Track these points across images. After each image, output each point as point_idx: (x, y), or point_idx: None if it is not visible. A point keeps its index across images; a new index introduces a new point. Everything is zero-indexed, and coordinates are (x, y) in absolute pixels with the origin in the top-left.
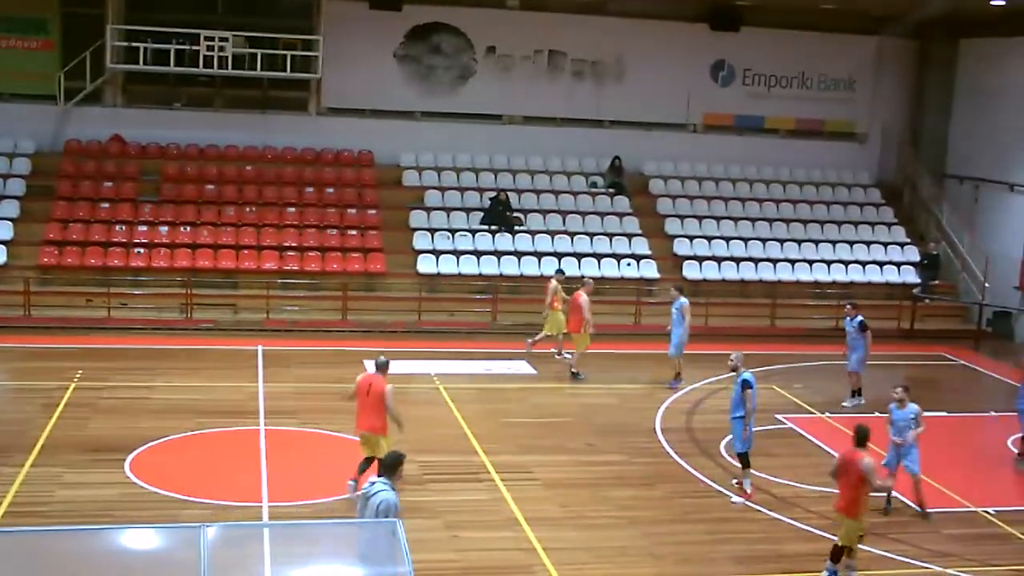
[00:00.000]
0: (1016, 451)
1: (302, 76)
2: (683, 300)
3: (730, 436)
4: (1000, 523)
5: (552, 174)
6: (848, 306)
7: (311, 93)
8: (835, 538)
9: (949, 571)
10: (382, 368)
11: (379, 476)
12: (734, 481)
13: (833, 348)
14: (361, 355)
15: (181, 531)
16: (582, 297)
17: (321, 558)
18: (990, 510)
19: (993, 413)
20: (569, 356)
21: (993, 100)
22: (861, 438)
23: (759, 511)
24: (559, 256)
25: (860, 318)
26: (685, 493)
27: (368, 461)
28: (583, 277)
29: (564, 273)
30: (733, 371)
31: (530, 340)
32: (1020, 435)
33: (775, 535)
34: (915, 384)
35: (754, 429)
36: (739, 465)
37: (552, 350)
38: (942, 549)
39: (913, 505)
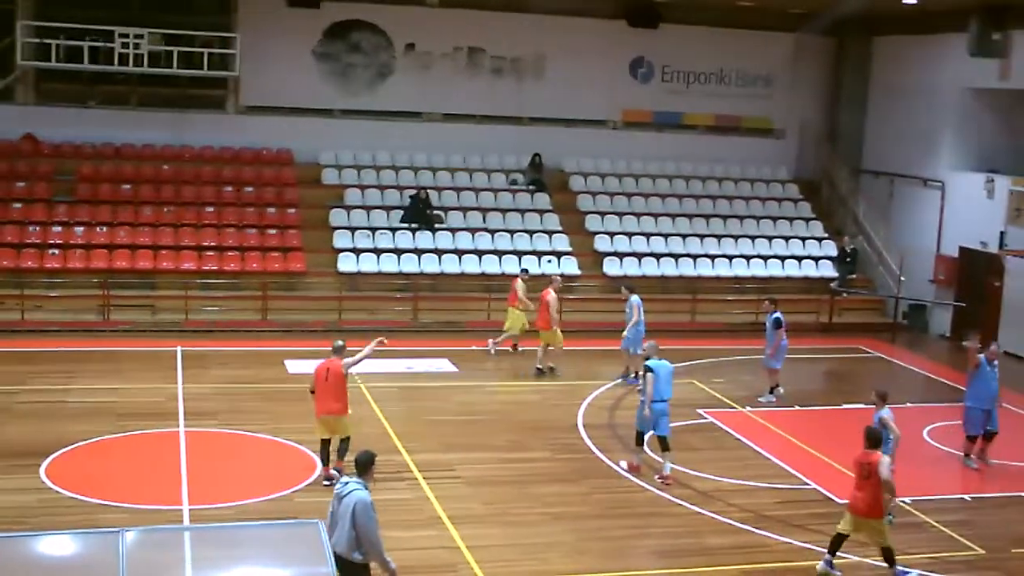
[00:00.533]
0: (962, 451)
1: (220, 74)
2: (634, 298)
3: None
4: (916, 512)
5: (472, 171)
6: (767, 302)
7: (229, 91)
8: (759, 532)
9: (868, 560)
10: (338, 351)
11: (352, 475)
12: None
13: (753, 343)
14: (282, 355)
15: (99, 536)
16: (549, 295)
17: (243, 560)
18: (906, 500)
19: (908, 404)
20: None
21: (907, 96)
22: (874, 440)
23: (681, 505)
24: (479, 253)
25: (776, 314)
26: (608, 488)
27: (326, 443)
28: (551, 275)
29: (528, 272)
30: (646, 359)
31: (492, 340)
32: (970, 433)
33: (697, 529)
34: (833, 377)
35: (660, 417)
36: (661, 459)
37: (507, 348)
38: (861, 538)
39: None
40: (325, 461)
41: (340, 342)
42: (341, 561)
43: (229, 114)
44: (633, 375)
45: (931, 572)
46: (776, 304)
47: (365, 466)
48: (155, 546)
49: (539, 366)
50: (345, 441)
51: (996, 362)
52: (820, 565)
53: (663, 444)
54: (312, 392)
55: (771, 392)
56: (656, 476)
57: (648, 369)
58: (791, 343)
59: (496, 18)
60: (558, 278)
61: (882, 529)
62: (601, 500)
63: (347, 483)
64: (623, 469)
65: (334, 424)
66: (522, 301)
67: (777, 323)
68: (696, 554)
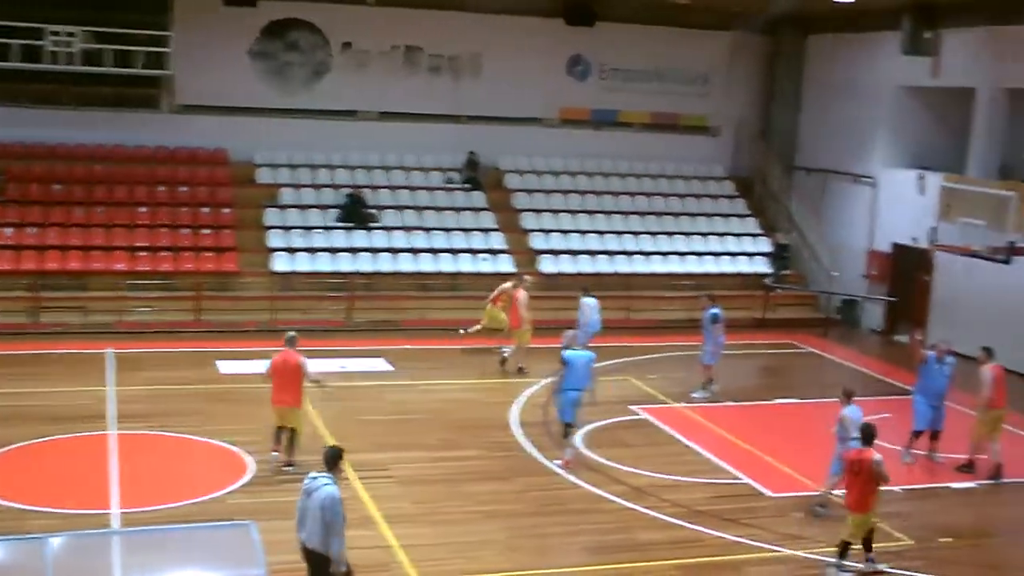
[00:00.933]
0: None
1: (154, 73)
2: (585, 299)
3: (587, 428)
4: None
5: (408, 170)
6: (704, 297)
7: (163, 90)
8: (693, 527)
9: (800, 553)
10: (292, 343)
11: (321, 471)
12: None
13: (687, 339)
14: (214, 356)
15: (26, 543)
16: (520, 294)
17: (174, 564)
18: (837, 492)
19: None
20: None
21: (840, 94)
22: (869, 436)
23: (614, 501)
24: (415, 252)
25: (713, 310)
26: (541, 486)
27: (281, 430)
28: (521, 275)
29: (528, 280)
30: (565, 348)
31: (463, 330)
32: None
33: (630, 524)
34: (767, 372)
35: (569, 405)
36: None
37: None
38: (792, 532)
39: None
40: (276, 442)
41: (292, 334)
42: (312, 554)
43: (163, 113)
44: None
45: (863, 563)
46: (714, 300)
47: (333, 461)
48: (83, 552)
49: (521, 366)
50: (293, 433)
51: (948, 359)
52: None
53: (566, 431)
54: (268, 377)
55: (703, 388)
56: (556, 461)
57: (563, 361)
58: (725, 339)
59: (433, 16)
60: (528, 278)
61: (862, 524)
62: (534, 498)
63: (316, 478)
64: (559, 467)
65: (286, 414)
66: (523, 317)
67: (714, 319)
68: (629, 550)
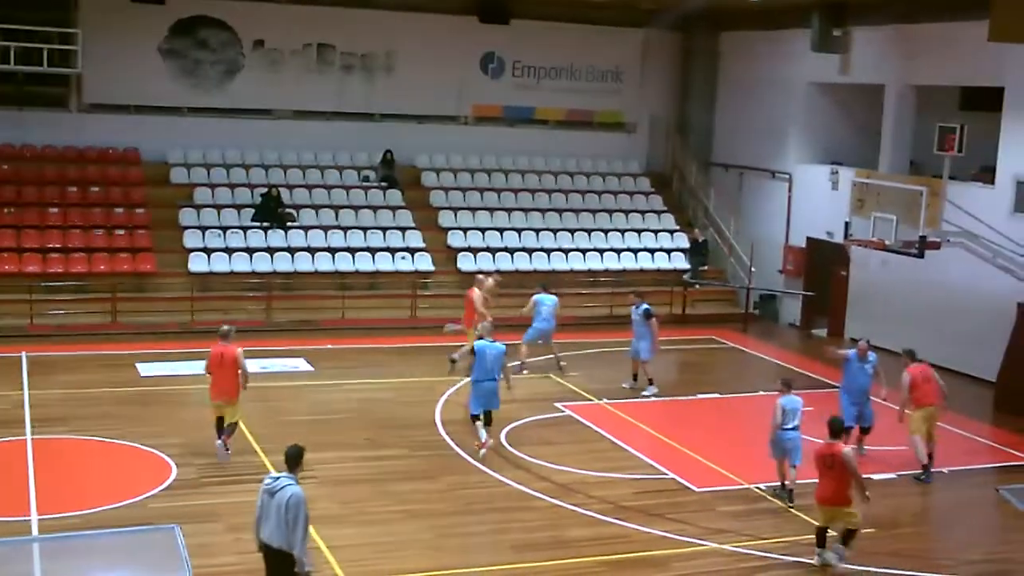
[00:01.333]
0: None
1: (61, 71)
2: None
3: (511, 426)
4: (771, 498)
5: (324, 169)
6: (632, 295)
7: (71, 89)
8: (619, 522)
9: (726, 547)
10: (227, 336)
11: (283, 471)
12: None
13: (608, 335)
14: (133, 358)
15: None
16: (475, 293)
17: (96, 570)
18: (761, 485)
19: (761, 393)
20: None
21: (754, 90)
22: (836, 430)
23: (540, 499)
24: (332, 251)
25: (645, 305)
26: (467, 485)
27: (221, 421)
28: (479, 274)
29: (488, 275)
30: (479, 339)
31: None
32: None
33: (556, 522)
34: (687, 368)
35: (484, 395)
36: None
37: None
38: (718, 526)
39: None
40: (220, 434)
41: (226, 327)
42: (274, 553)
43: (72, 112)
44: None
45: (791, 556)
46: (643, 296)
47: (295, 460)
48: (2, 559)
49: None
50: (232, 426)
51: (870, 357)
52: (816, 560)
53: (485, 419)
54: (208, 374)
55: (650, 384)
56: (476, 445)
57: (473, 352)
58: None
59: (345, 14)
60: (483, 277)
61: (853, 513)
62: (460, 496)
63: (278, 478)
64: (480, 450)
65: (224, 408)
66: (479, 312)
67: (647, 314)
68: (556, 547)
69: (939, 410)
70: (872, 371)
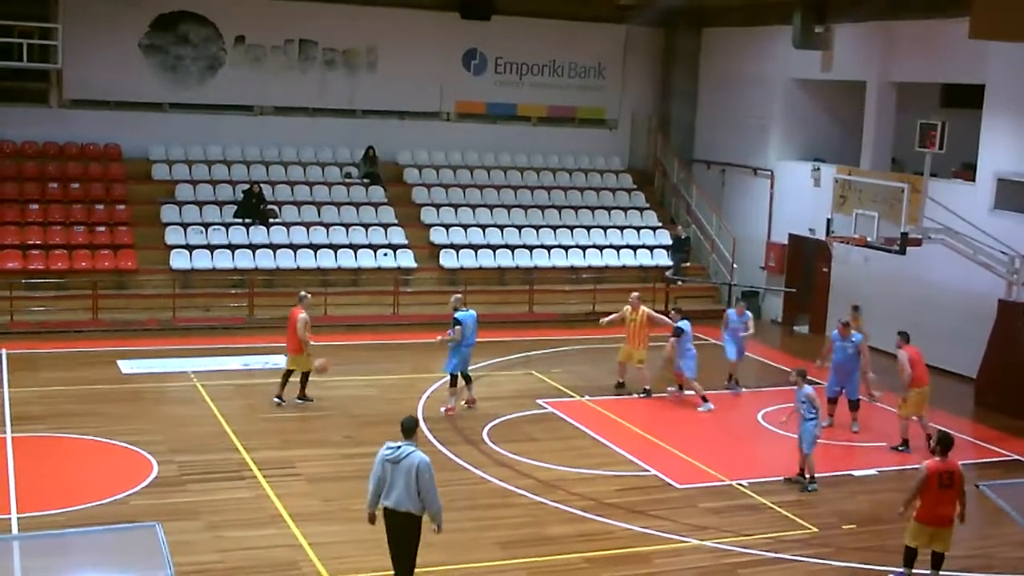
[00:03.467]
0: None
1: (41, 66)
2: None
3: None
4: (753, 494)
5: (306, 165)
6: (673, 312)
7: (52, 84)
8: (602, 519)
9: (708, 543)
10: (301, 300)
11: (404, 440)
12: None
13: (590, 332)
14: (114, 355)
15: None
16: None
17: (77, 568)
18: (743, 482)
19: (744, 390)
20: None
21: (736, 87)
22: (948, 445)
23: (523, 495)
24: (315, 248)
25: (678, 323)
26: (449, 481)
27: (287, 374)
28: (300, 293)
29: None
30: (454, 310)
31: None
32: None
33: (540, 518)
34: (669, 364)
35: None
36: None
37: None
38: (699, 522)
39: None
40: (281, 387)
41: (303, 293)
42: (403, 518)
43: (52, 108)
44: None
45: (769, 552)
46: (681, 313)
47: (412, 429)
48: None
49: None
50: (303, 375)
51: (854, 336)
52: None
53: (454, 381)
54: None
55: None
56: (441, 408)
57: (456, 321)
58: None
59: (327, 10)
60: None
61: (951, 533)
62: (442, 493)
63: (399, 447)
64: (443, 413)
65: (289, 360)
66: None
67: (676, 331)
68: (539, 544)
69: (929, 391)
70: (854, 350)
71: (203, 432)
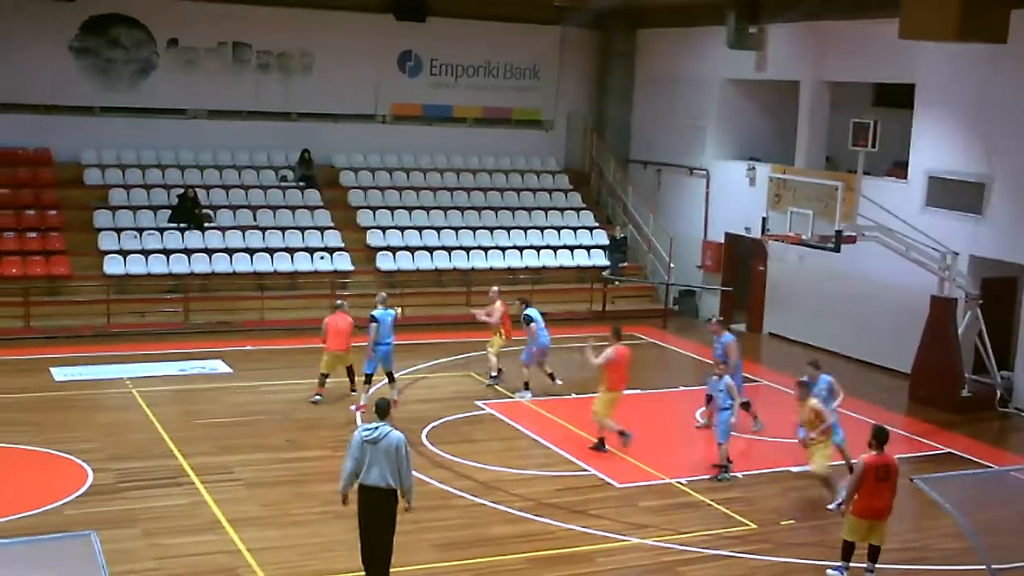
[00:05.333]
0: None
1: None
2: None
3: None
4: (692, 492)
5: (241, 169)
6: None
7: None
8: (541, 519)
9: (648, 541)
10: (341, 307)
11: (379, 421)
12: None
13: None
14: (47, 362)
15: None
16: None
17: None
18: (682, 480)
19: (681, 388)
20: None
21: (671, 87)
22: (884, 438)
23: (463, 497)
24: (251, 252)
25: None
26: None
27: (325, 376)
28: (337, 301)
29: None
30: (375, 308)
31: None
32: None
33: (479, 519)
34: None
35: (385, 357)
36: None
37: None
38: (639, 521)
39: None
40: (321, 383)
41: (340, 302)
42: (384, 493)
43: None
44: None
45: (709, 549)
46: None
47: (386, 411)
48: None
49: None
50: (349, 370)
51: (725, 337)
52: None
53: (391, 377)
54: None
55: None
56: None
57: (373, 319)
58: (563, 332)
59: (261, 12)
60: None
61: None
62: None
63: (376, 428)
64: (353, 410)
65: (338, 359)
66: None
67: (527, 319)
68: (479, 545)
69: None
70: (722, 350)
71: (139, 439)
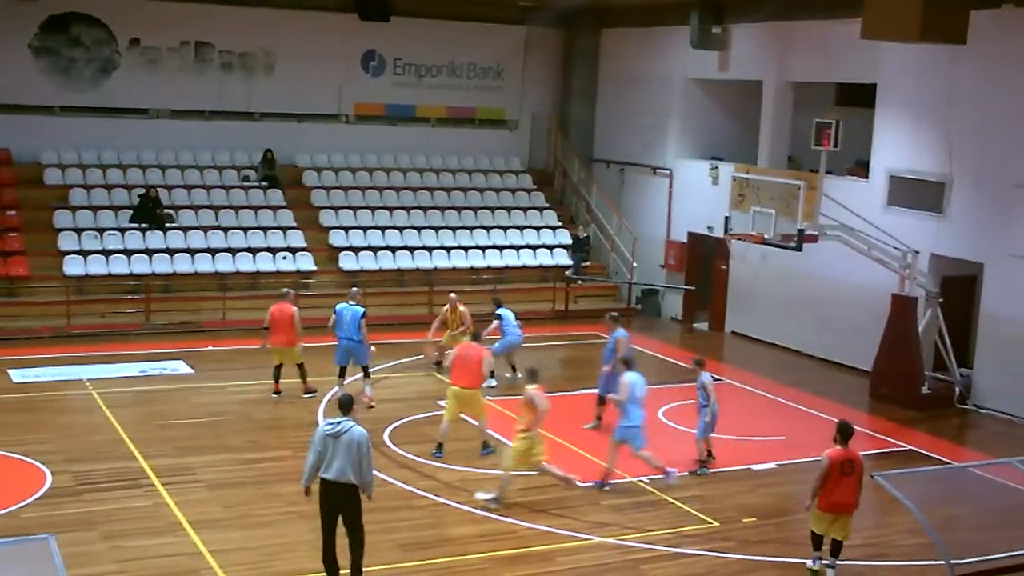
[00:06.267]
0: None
1: None
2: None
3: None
4: (654, 490)
5: (203, 169)
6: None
7: None
8: (504, 519)
9: (610, 540)
10: (286, 296)
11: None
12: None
13: (493, 334)
14: (5, 364)
15: None
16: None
17: None
18: (644, 479)
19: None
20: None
21: (635, 87)
22: (849, 434)
23: (425, 497)
24: (213, 252)
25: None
26: None
27: (278, 368)
28: (283, 290)
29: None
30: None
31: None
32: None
33: (442, 520)
34: (571, 363)
35: (353, 351)
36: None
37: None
38: (601, 519)
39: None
40: (276, 380)
41: (286, 289)
42: (344, 488)
43: None
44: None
45: (671, 547)
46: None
47: (349, 405)
48: None
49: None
50: (300, 367)
51: (617, 333)
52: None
53: (366, 372)
54: (266, 328)
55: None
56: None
57: (341, 313)
58: (526, 332)
59: (223, 11)
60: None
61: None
62: None
63: (340, 422)
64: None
65: (284, 354)
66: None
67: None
68: (442, 545)
69: None
70: (612, 345)
71: (99, 440)
